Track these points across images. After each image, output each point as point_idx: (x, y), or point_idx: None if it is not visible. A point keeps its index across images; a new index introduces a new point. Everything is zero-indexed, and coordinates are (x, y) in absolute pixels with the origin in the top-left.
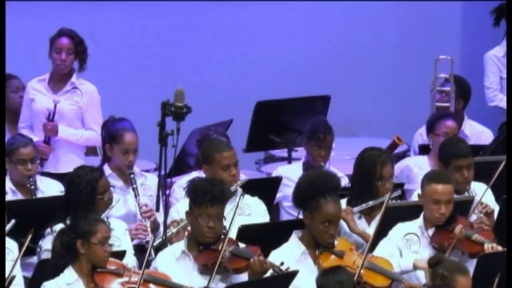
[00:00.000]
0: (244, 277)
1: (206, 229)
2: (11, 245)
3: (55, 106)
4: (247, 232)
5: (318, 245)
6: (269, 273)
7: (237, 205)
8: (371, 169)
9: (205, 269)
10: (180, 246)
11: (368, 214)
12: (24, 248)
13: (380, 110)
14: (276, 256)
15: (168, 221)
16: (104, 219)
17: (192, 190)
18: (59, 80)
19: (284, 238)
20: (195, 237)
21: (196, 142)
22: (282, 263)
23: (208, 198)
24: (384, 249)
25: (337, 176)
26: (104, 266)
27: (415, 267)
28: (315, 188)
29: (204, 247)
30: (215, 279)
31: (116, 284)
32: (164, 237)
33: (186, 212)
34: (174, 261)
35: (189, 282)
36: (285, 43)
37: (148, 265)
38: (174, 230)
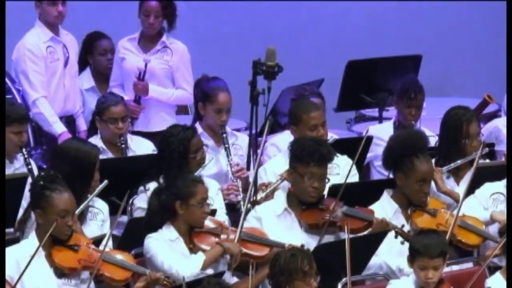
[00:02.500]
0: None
1: (310, 189)
2: (100, 205)
3: (145, 65)
4: (336, 192)
5: (410, 203)
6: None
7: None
8: (457, 127)
9: (311, 228)
10: (281, 203)
11: (456, 174)
12: (121, 209)
13: (472, 70)
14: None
15: (259, 181)
16: (202, 179)
17: (299, 149)
18: (149, 39)
19: (374, 198)
20: (298, 195)
21: (291, 101)
22: (403, 226)
23: (316, 157)
24: (469, 206)
25: (426, 135)
26: (202, 226)
27: (493, 220)
28: (408, 148)
29: (308, 206)
30: (324, 237)
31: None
32: (255, 197)
33: (287, 170)
34: (275, 217)
35: (291, 239)
36: (377, 2)
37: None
38: (263, 194)
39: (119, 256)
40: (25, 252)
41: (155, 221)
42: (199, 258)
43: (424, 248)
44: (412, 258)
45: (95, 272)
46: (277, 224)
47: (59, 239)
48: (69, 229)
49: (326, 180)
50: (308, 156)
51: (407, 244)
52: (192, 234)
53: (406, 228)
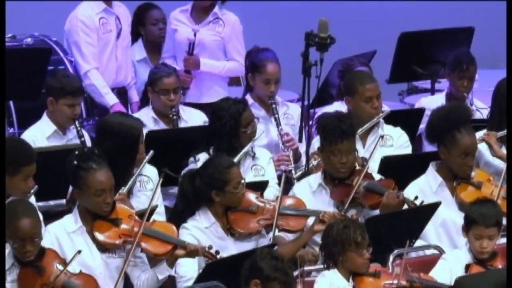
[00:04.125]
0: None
1: (339, 165)
2: (151, 172)
3: (194, 34)
4: (388, 164)
5: (455, 176)
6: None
7: (378, 138)
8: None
9: (341, 204)
10: (317, 178)
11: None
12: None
13: None
14: (413, 188)
15: (311, 151)
16: (234, 161)
17: (321, 127)
18: (201, 11)
19: (424, 170)
20: (329, 172)
21: (339, 72)
22: (416, 197)
23: (337, 134)
24: None
25: (469, 107)
26: (239, 206)
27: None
28: (449, 122)
29: (339, 181)
30: (351, 213)
31: (253, 222)
32: (306, 168)
33: (318, 148)
34: (310, 193)
35: None
36: None
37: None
38: (314, 162)
39: (161, 229)
40: (65, 229)
41: (191, 207)
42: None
43: (480, 217)
44: (468, 227)
45: (134, 247)
46: (312, 200)
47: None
48: (108, 206)
49: (355, 153)
50: (331, 134)
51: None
52: (228, 215)
53: (421, 199)
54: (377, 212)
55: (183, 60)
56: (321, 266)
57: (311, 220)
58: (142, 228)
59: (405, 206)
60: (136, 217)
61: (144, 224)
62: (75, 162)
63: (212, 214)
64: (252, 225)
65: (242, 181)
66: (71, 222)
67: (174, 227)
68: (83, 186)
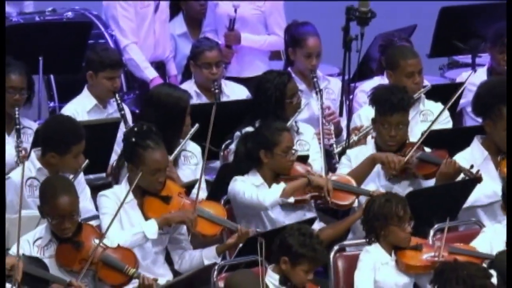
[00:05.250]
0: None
1: (387, 138)
2: (193, 147)
3: (235, 11)
4: (429, 138)
5: (499, 151)
6: None
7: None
8: None
9: (393, 176)
10: (369, 149)
11: None
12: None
13: None
14: (460, 161)
15: (351, 126)
16: (288, 126)
17: (374, 98)
18: None
19: (466, 144)
20: (380, 144)
21: (379, 47)
22: (472, 166)
23: (388, 107)
24: None
25: None
26: (288, 174)
27: None
28: (496, 96)
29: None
30: (403, 184)
31: (302, 192)
32: (347, 142)
33: (372, 119)
34: None
35: (377, 186)
36: None
37: (333, 169)
38: (355, 137)
39: (211, 209)
40: (118, 198)
41: (242, 167)
42: (280, 186)
43: None
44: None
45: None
46: None
47: None
48: (160, 184)
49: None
50: (381, 106)
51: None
52: (278, 181)
53: (475, 169)
54: (429, 183)
55: (224, 35)
56: (357, 241)
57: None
58: (196, 208)
59: (461, 176)
60: (184, 196)
61: (196, 203)
62: (133, 139)
63: (261, 176)
64: (301, 195)
65: (293, 150)
66: (121, 192)
67: (224, 209)
68: (138, 163)
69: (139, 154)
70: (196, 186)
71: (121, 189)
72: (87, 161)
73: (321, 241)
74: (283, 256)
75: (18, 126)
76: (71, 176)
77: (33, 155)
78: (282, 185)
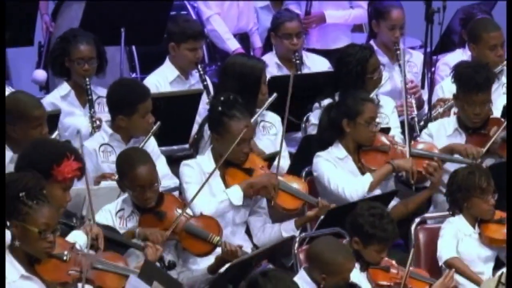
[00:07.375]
0: None
1: (472, 115)
2: (272, 118)
3: None
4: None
5: None
6: None
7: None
8: None
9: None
10: (451, 123)
11: None
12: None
13: None
14: None
15: (433, 99)
16: (373, 98)
17: (457, 76)
18: None
19: None
20: (463, 120)
21: (460, 20)
22: None
23: (472, 85)
24: None
25: None
26: (371, 145)
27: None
28: None
29: (473, 130)
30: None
31: (384, 161)
32: (429, 115)
33: (454, 95)
34: (445, 137)
35: None
36: None
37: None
38: (440, 109)
39: (293, 183)
40: (202, 169)
41: (325, 138)
42: (367, 179)
43: None
44: None
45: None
46: (447, 143)
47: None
48: (245, 156)
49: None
50: (465, 84)
51: None
52: (360, 153)
53: None
54: None
55: (303, 21)
56: (439, 214)
57: None
58: (279, 182)
59: None
60: (267, 170)
61: (277, 177)
62: (220, 108)
63: (344, 148)
64: (383, 163)
65: (377, 120)
66: (204, 163)
67: (306, 184)
68: (224, 133)
69: (225, 123)
70: (282, 154)
71: (204, 160)
72: (158, 123)
73: (392, 220)
74: (354, 236)
75: (90, 97)
76: (141, 144)
77: (104, 123)
78: (368, 178)
